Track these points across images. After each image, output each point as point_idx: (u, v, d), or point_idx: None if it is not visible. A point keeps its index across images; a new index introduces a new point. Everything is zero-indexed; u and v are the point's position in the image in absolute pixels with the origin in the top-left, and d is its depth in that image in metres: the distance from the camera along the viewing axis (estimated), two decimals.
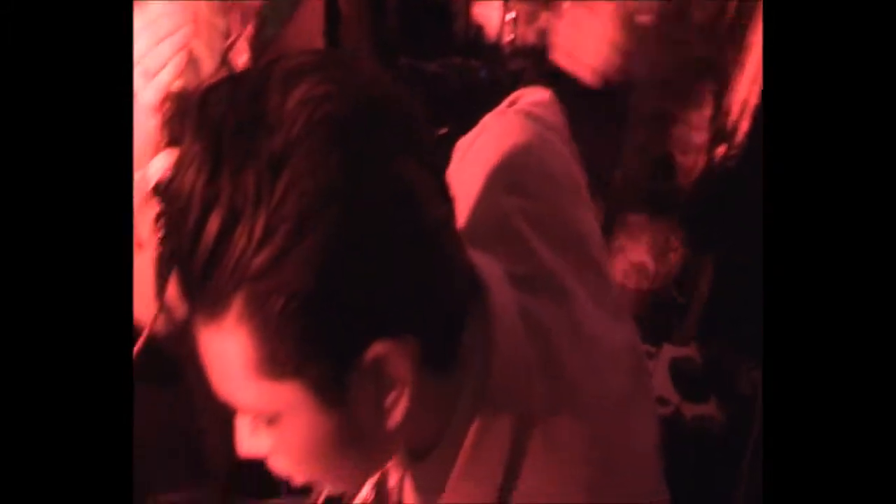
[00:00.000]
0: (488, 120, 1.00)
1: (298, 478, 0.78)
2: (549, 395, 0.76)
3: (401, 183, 0.66)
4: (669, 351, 1.87)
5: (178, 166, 0.64)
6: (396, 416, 0.72)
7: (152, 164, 1.17)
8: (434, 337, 0.71)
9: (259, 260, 0.63)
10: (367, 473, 0.85)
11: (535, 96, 1.06)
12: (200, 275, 0.64)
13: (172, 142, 1.15)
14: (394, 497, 0.91)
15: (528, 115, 1.00)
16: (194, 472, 1.77)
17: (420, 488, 0.81)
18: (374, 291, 0.65)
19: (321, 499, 1.02)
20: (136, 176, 1.19)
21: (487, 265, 0.79)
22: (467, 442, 0.75)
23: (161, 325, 1.17)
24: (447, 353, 0.73)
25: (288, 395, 0.69)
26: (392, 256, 0.65)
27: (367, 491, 1.00)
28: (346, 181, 0.63)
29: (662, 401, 1.79)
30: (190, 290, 0.66)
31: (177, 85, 1.07)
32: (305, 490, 1.27)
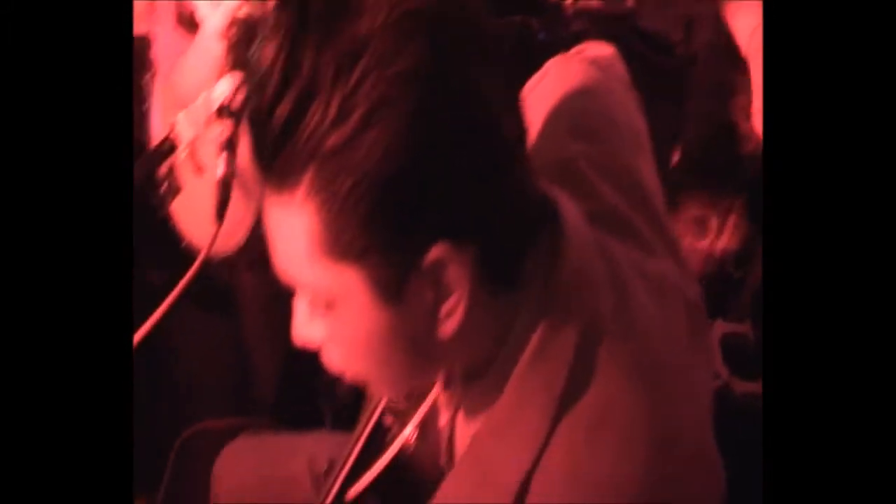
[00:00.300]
0: (552, 65, 0.99)
1: (348, 373, 0.78)
2: (616, 317, 0.75)
3: (478, 85, 0.67)
4: (722, 326, 1.84)
5: (264, 36, 0.66)
6: (451, 325, 0.71)
7: (217, 87, 1.17)
8: (498, 250, 0.71)
9: (331, 139, 0.65)
10: (415, 380, 0.85)
11: (599, 49, 1.05)
12: (274, 145, 0.66)
13: (237, 66, 1.13)
14: (444, 436, 0.90)
15: (593, 62, 1.00)
16: (241, 400, 1.79)
17: (474, 412, 0.80)
18: (440, 190, 0.66)
19: (366, 430, 1.03)
20: (200, 99, 1.19)
21: (559, 195, 0.79)
22: (530, 346, 0.73)
23: (217, 249, 1.17)
24: (510, 268, 0.73)
25: (347, 281, 0.69)
26: (462, 157, 0.67)
27: (409, 430, 1.00)
28: (424, 73, 0.64)
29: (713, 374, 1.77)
30: (263, 161, 0.68)
31: (243, 11, 1.10)
32: (349, 419, 1.27)
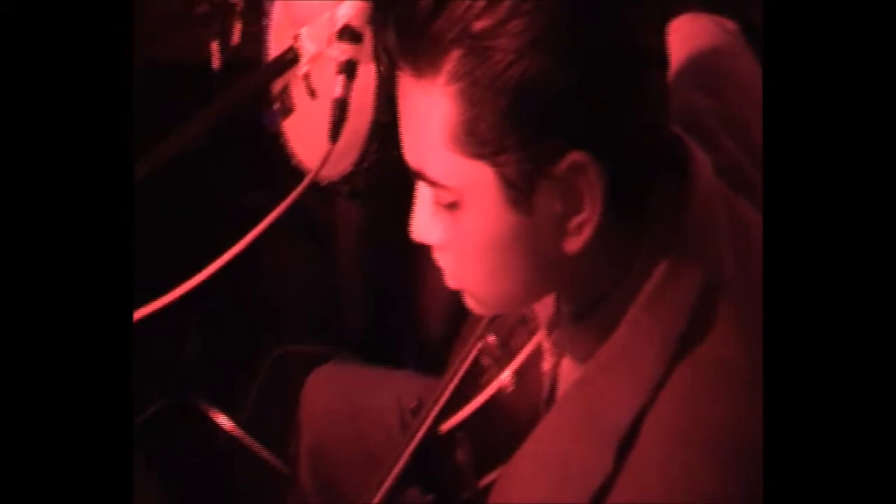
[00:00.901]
0: (679, 23, 0.99)
1: (458, 281, 0.77)
2: (738, 274, 0.72)
3: (628, 6, 0.67)
4: None
5: None
6: (578, 241, 0.70)
7: (341, 7, 1.17)
8: (631, 172, 0.70)
9: (480, 23, 0.64)
10: (526, 298, 0.81)
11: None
12: (422, 23, 0.66)
13: None
14: (546, 381, 0.88)
15: (720, 24, 0.99)
16: (328, 331, 1.79)
17: (582, 357, 0.77)
18: (582, 97, 0.65)
19: (463, 367, 1.01)
20: (324, 16, 1.17)
21: (691, 142, 0.77)
22: (651, 282, 0.71)
23: (324, 174, 1.15)
24: (640, 195, 0.72)
25: (477, 178, 0.68)
26: (608, 67, 0.66)
27: (508, 374, 0.99)
28: None
29: None
30: (407, 42, 0.67)
31: None
32: (433, 364, 1.26)
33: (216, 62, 1.81)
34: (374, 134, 1.38)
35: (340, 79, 1.19)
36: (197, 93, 1.83)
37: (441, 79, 0.66)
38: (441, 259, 0.76)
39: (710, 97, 0.88)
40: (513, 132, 0.66)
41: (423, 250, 0.79)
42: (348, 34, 1.20)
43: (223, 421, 1.69)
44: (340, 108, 1.16)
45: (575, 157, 0.66)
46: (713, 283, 0.71)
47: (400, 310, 1.61)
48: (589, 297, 0.76)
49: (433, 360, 1.38)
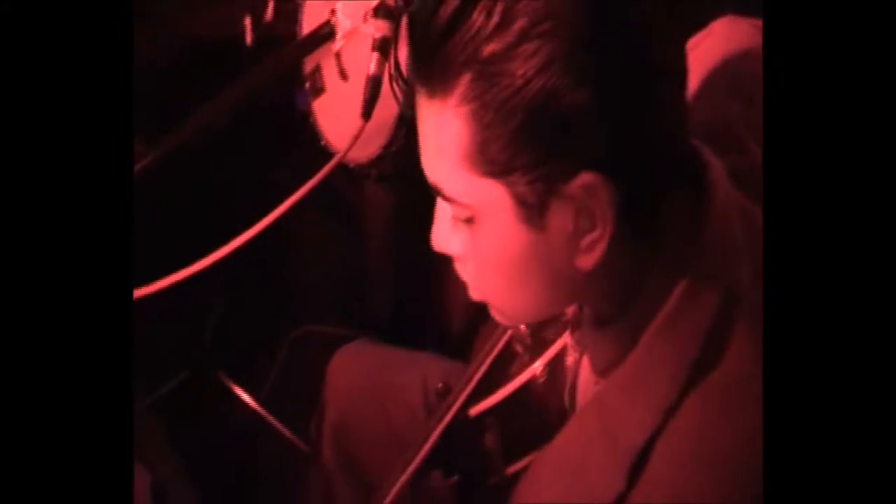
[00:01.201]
0: (718, 25, 0.98)
1: (477, 292, 0.78)
2: (754, 286, 0.71)
3: (645, 14, 0.66)
4: None
5: None
6: (590, 259, 0.70)
7: None
8: (644, 190, 0.69)
9: (490, 46, 0.64)
10: (544, 311, 0.82)
11: None
12: (433, 46, 0.66)
13: None
14: (570, 375, 0.89)
15: (758, 27, 0.98)
16: (351, 312, 1.78)
17: (601, 360, 0.78)
18: (593, 116, 0.64)
19: (494, 352, 1.01)
20: None
21: (711, 157, 0.77)
22: (668, 305, 0.71)
23: (352, 155, 1.15)
24: (654, 212, 0.71)
25: (490, 196, 0.69)
26: (620, 85, 0.65)
27: (538, 365, 0.99)
28: None
29: None
30: (420, 62, 0.68)
31: None
32: (456, 348, 1.25)
33: (248, 38, 1.81)
34: (403, 118, 1.38)
35: (375, 56, 1.18)
36: (229, 68, 1.83)
37: (452, 100, 0.66)
38: (462, 271, 0.77)
39: (742, 102, 0.87)
40: (524, 152, 0.66)
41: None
42: (384, 11, 1.19)
43: (244, 396, 1.69)
44: (374, 86, 1.15)
45: (586, 177, 0.66)
46: (730, 301, 0.71)
47: (425, 295, 1.60)
48: (608, 309, 0.76)
49: (456, 346, 1.37)
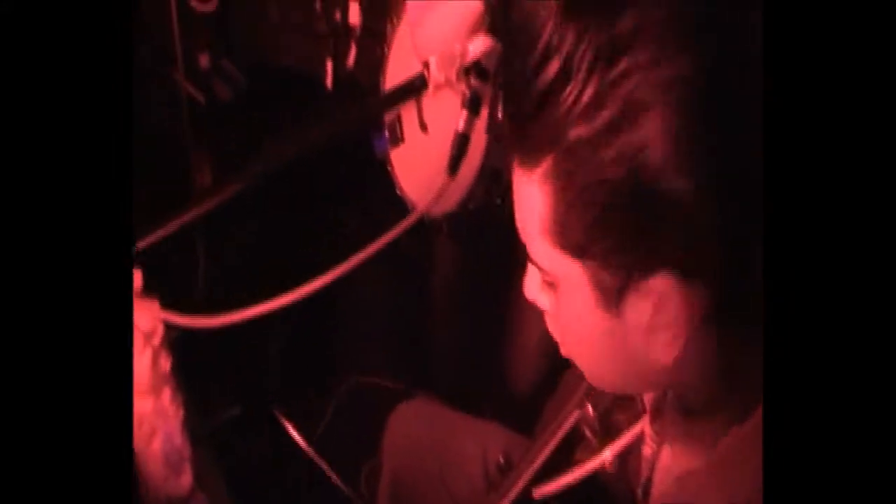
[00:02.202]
0: None
1: (565, 350, 0.76)
2: None
3: (740, 106, 0.62)
4: None
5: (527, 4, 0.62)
6: (668, 354, 0.67)
7: (473, 43, 1.16)
8: (729, 292, 0.65)
9: (577, 129, 0.62)
10: (627, 388, 0.80)
11: None
12: (526, 116, 0.65)
13: (492, 29, 1.12)
14: (646, 467, 0.86)
15: None
16: (411, 367, 1.75)
17: (684, 450, 0.75)
18: (677, 216, 0.61)
19: (560, 433, 0.97)
20: (456, 49, 1.17)
21: None
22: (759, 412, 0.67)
23: (433, 210, 1.13)
24: (741, 311, 0.66)
25: (569, 272, 0.67)
26: (707, 186, 0.61)
27: (608, 454, 0.95)
28: (683, 86, 0.60)
29: None
30: (513, 129, 0.68)
31: None
32: (518, 421, 1.22)
33: (329, 81, 1.82)
34: (483, 177, 1.37)
35: (464, 113, 1.17)
36: (307, 108, 1.84)
37: (538, 173, 0.65)
38: (550, 327, 0.76)
39: None
40: (602, 240, 0.64)
41: (520, 302, 0.77)
42: (476, 70, 1.18)
43: (296, 436, 1.68)
44: (462, 143, 1.14)
45: (661, 281, 0.63)
46: None
47: (490, 357, 1.58)
48: (693, 396, 0.73)
49: (519, 415, 1.33)
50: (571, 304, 0.69)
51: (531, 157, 0.65)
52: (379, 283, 1.78)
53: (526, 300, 0.77)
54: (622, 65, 0.60)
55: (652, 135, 0.60)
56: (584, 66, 0.61)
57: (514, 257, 0.81)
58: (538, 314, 0.77)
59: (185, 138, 1.75)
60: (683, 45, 0.61)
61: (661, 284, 0.64)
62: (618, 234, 0.63)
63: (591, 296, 0.67)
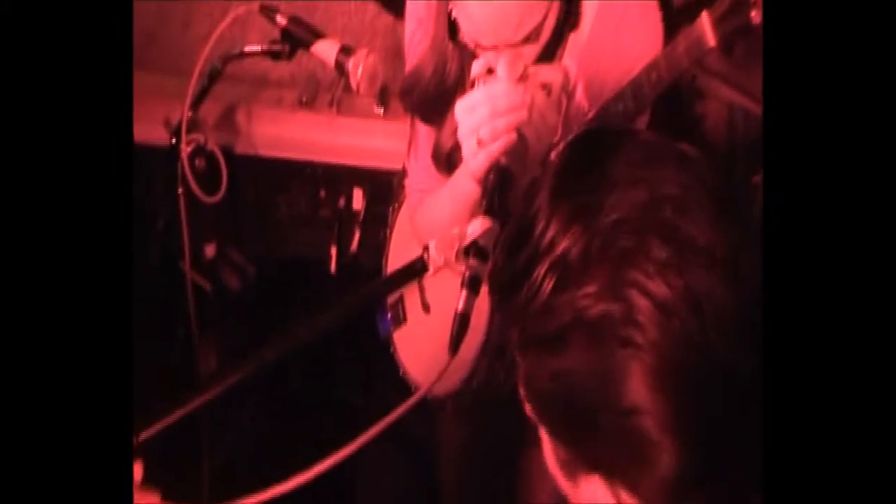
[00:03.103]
0: None
1: None
2: None
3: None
4: None
5: (528, 201, 0.67)
6: None
7: (471, 225, 1.19)
8: None
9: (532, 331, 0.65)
10: None
11: None
12: (496, 302, 0.69)
13: (489, 212, 1.15)
14: None
15: None
16: None
17: None
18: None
19: None
20: (454, 230, 1.20)
21: None
22: None
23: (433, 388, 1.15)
24: None
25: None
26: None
27: None
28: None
29: None
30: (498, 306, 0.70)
31: (503, 160, 1.15)
32: None
33: (333, 266, 1.86)
34: (485, 354, 1.37)
35: (464, 294, 1.19)
36: (311, 292, 1.87)
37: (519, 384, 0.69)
38: None
39: None
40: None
41: (527, 478, 0.76)
42: (475, 250, 1.21)
43: None
44: (462, 323, 1.15)
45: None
46: None
47: None
48: None
49: None
50: None
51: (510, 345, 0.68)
52: (385, 463, 1.75)
53: (533, 477, 0.77)
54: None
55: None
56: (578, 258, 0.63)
57: (520, 434, 0.80)
58: (545, 490, 0.76)
59: (190, 326, 1.77)
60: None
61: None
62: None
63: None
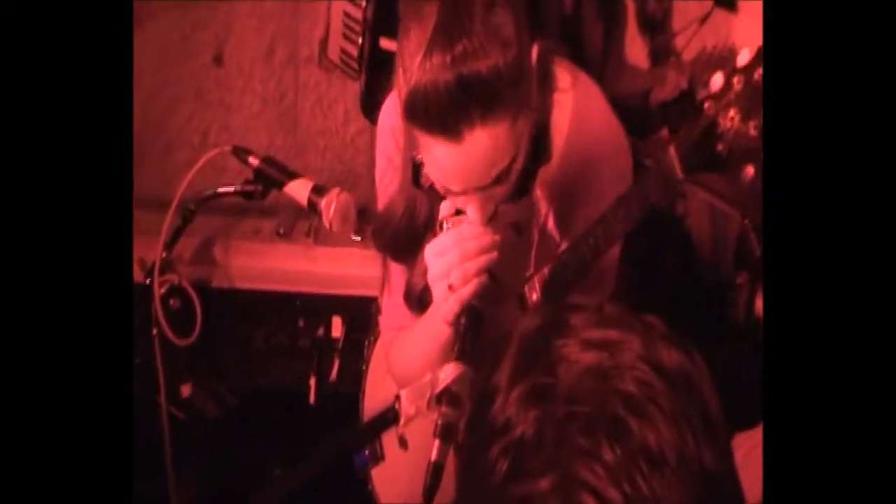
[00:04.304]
0: None
1: None
2: None
3: None
4: None
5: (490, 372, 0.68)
6: None
7: (443, 370, 1.18)
8: None
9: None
10: None
11: None
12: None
13: (461, 356, 1.13)
14: None
15: None
16: None
17: None
18: None
19: None
20: (426, 377, 1.18)
21: None
22: None
23: None
24: None
25: None
26: None
27: None
28: None
29: None
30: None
31: (475, 302, 1.13)
32: None
33: (312, 397, 1.85)
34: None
35: (437, 443, 1.17)
36: (290, 422, 1.85)
37: None
38: None
39: None
40: None
41: None
42: (448, 398, 1.20)
43: None
44: (436, 473, 1.13)
45: None
46: None
47: None
48: None
49: None
50: None
51: None
52: None
53: None
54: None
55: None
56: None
57: None
58: None
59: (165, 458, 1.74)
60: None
61: None
62: None
63: None
